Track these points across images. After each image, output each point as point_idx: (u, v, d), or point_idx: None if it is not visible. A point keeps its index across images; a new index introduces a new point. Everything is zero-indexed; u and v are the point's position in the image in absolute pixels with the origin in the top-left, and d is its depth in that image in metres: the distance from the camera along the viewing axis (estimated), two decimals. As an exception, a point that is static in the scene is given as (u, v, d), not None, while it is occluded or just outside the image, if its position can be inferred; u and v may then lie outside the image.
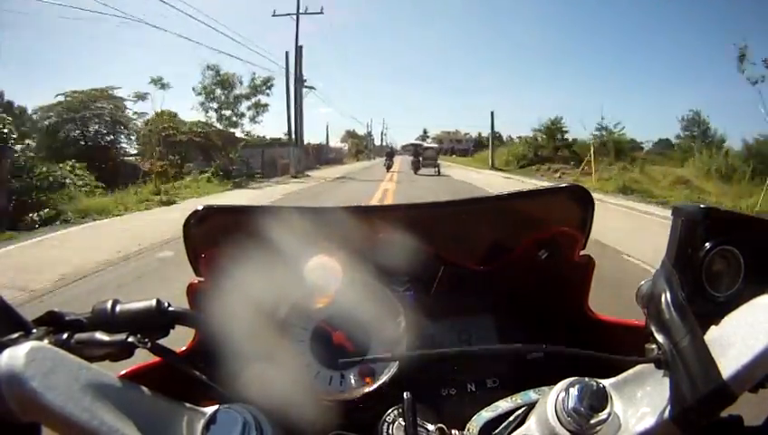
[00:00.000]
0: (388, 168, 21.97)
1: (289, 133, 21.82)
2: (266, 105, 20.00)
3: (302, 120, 22.58)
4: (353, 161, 47.67)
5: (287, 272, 0.55)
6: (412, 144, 26.22)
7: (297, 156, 20.62)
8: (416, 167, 21.18)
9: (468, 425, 0.47)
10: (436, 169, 20.52)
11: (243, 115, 19.67)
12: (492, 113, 30.72)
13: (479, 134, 78.26)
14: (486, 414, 0.47)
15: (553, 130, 26.62)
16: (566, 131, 26.72)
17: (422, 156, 21.79)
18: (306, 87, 22.61)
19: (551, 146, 25.82)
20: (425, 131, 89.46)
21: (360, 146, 67.86)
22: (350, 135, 78.08)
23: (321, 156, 36.10)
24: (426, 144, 25.89)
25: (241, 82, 19.29)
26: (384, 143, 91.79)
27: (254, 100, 19.67)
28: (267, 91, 19.87)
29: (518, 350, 0.42)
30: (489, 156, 29.76)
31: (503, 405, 0.47)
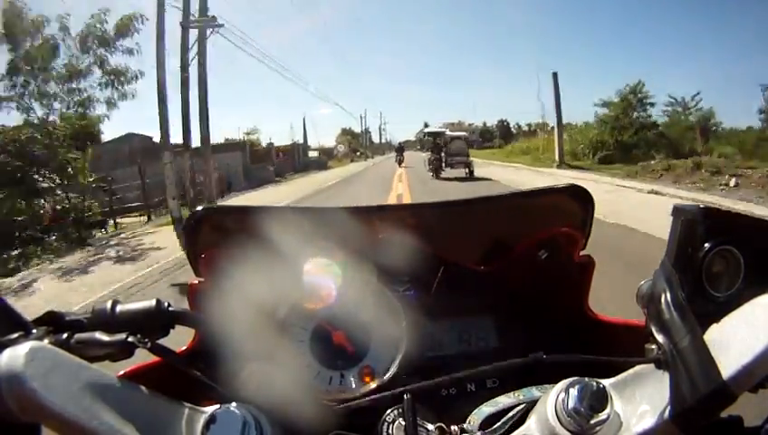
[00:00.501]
0: (400, 163, 22.51)
1: (162, 125, 7.98)
2: (135, 75, 9.56)
3: (206, 93, 8.88)
4: (345, 163, 37.17)
5: (287, 272, 0.55)
6: (430, 133, 18.16)
7: (181, 171, 8.89)
8: (436, 168, 14.01)
9: (469, 418, 0.47)
10: (468, 168, 13.75)
11: (86, 101, 9.45)
12: (555, 75, 17.51)
13: (484, 123, 71.34)
14: (487, 409, 0.47)
15: (632, 102, 18.04)
16: (652, 104, 18.32)
17: (446, 150, 14.74)
18: (209, 23, 8.84)
19: (633, 128, 17.22)
20: (426, 125, 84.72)
21: (355, 144, 59.73)
22: (346, 133, 69.90)
23: (297, 160, 27.53)
24: (450, 133, 17.33)
25: (66, 31, 8.76)
26: (383, 140, 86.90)
27: (109, 66, 9.18)
28: (127, 44, 9.19)
29: (515, 364, 0.43)
30: (556, 146, 17.47)
31: (504, 400, 0.47)
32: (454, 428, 0.44)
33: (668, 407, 0.37)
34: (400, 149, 24.74)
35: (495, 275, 0.69)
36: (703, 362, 0.36)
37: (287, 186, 17.57)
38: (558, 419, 0.39)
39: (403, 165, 21.86)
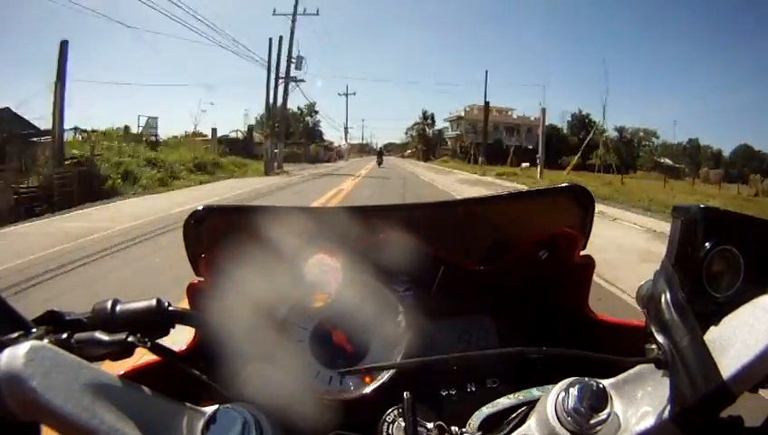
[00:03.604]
0: (379, 164, 29.16)
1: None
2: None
3: None
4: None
5: (287, 272, 0.55)
6: (379, 149, 38.65)
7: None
8: (379, 162, 30.81)
9: (469, 421, 0.47)
10: (381, 162, 30.34)
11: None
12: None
13: (536, 115, 33.60)
14: (487, 410, 0.47)
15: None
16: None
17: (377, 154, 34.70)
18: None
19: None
20: (425, 114, 54.08)
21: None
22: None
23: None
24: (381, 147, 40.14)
25: None
26: (365, 139, 72.30)
27: None
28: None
29: (517, 353, 0.42)
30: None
31: (504, 401, 0.48)
32: (454, 428, 0.44)
33: (668, 407, 0.37)
34: (380, 153, 33.79)
35: (495, 275, 0.69)
36: (703, 362, 0.36)
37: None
38: (558, 418, 0.39)
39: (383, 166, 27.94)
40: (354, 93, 56.50)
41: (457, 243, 0.71)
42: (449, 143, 50.23)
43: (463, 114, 48.08)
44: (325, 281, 0.59)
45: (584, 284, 0.66)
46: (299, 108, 47.18)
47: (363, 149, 73.43)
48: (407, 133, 60.35)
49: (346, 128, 58.68)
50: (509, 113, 47.15)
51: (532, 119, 42.76)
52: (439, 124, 53.88)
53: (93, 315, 0.39)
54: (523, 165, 29.87)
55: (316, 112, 48.47)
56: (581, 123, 42.21)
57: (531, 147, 36.09)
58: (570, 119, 44.13)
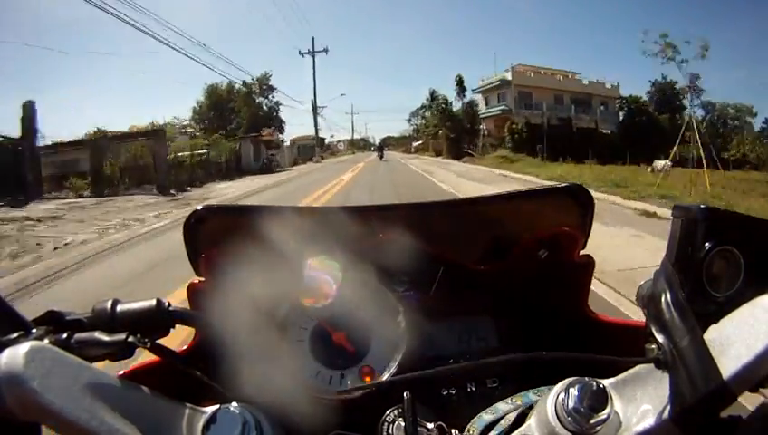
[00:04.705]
0: (381, 157, 30.63)
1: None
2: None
3: None
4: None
5: (287, 272, 0.55)
6: (378, 144, 40.78)
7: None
8: (381, 155, 32.30)
9: (468, 427, 0.47)
10: (382, 156, 31.42)
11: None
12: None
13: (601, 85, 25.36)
14: (487, 417, 0.47)
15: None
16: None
17: (380, 149, 35.41)
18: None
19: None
20: (432, 94, 33.88)
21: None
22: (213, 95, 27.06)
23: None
24: (380, 142, 41.73)
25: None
26: (366, 135, 66.04)
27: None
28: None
29: (516, 359, 0.42)
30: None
31: (502, 407, 0.48)
32: (455, 431, 0.44)
33: (668, 407, 0.37)
34: (380, 147, 34.87)
35: (495, 275, 0.69)
36: (703, 362, 0.36)
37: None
38: (558, 418, 0.39)
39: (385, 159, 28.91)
40: (326, 51, 34.97)
41: (457, 243, 0.71)
42: (485, 127, 29.39)
43: (509, 77, 27.60)
44: (325, 281, 0.59)
45: (584, 283, 0.66)
46: (244, 83, 28.27)
47: (355, 145, 54.17)
48: (410, 121, 45.72)
49: (314, 107, 35.25)
50: (571, 77, 28.96)
51: (608, 86, 28.19)
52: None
53: (93, 316, 0.39)
54: (659, 164, 13.87)
55: (272, 90, 30.15)
56: (670, 96, 26.55)
57: (608, 130, 22.25)
58: (650, 89, 27.98)
